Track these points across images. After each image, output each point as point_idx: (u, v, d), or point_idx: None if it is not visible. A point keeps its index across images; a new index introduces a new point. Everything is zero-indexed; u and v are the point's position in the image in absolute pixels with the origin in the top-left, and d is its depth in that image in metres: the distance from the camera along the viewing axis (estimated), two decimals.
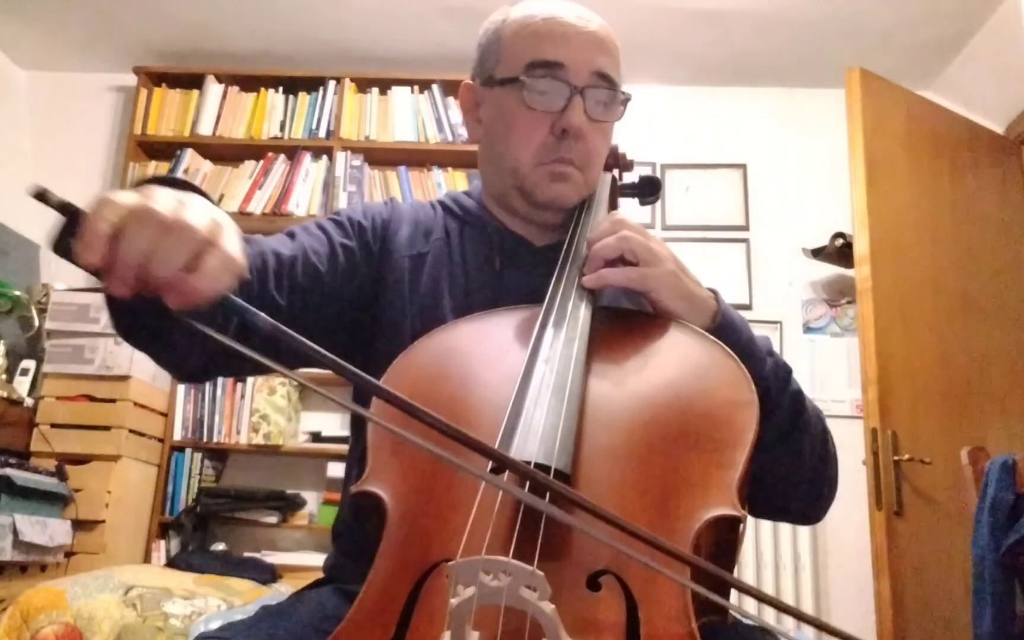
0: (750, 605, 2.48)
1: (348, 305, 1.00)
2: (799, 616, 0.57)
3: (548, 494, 0.62)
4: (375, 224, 1.04)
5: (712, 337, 0.83)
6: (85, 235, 0.58)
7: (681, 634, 0.59)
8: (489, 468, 0.68)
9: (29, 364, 3.01)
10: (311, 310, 0.95)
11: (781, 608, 0.58)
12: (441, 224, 1.07)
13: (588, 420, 0.75)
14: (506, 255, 1.03)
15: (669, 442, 0.73)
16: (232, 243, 0.63)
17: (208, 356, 0.87)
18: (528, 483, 0.65)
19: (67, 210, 0.60)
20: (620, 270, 0.88)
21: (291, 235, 0.99)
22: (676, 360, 0.82)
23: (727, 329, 0.88)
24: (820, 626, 0.58)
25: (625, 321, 0.91)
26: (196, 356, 0.86)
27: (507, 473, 0.68)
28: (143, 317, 0.74)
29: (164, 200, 0.60)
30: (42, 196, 0.59)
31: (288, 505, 3.01)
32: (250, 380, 3.07)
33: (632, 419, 0.76)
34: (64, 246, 0.59)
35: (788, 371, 0.91)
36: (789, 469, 0.91)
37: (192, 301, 0.61)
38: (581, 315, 0.85)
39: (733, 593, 0.72)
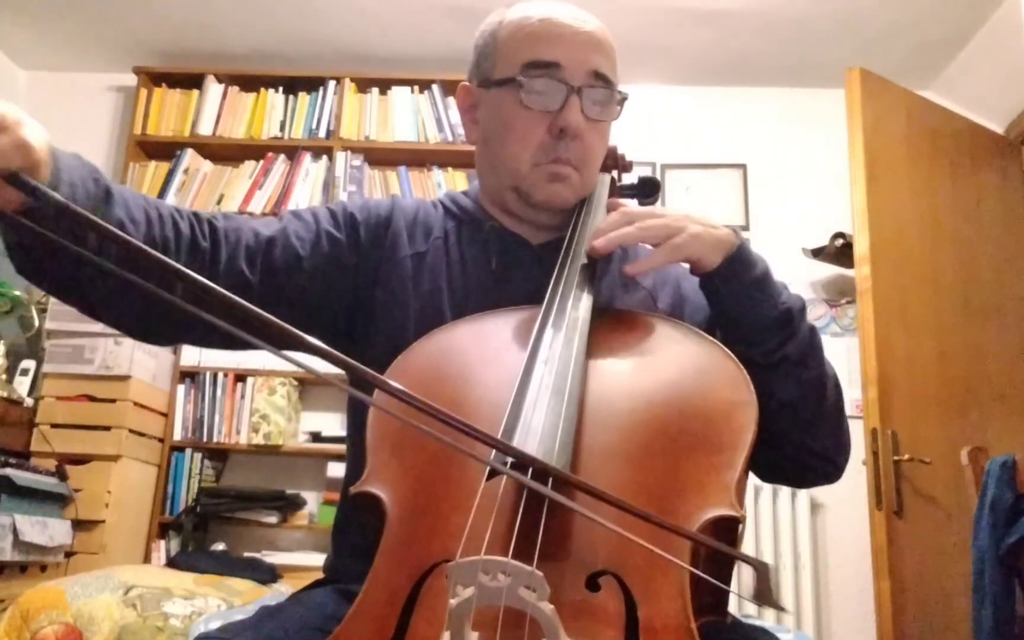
0: (749, 606, 2.48)
1: (337, 297, 1.00)
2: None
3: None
4: (371, 220, 1.04)
5: (712, 338, 0.84)
6: None
7: (680, 633, 0.59)
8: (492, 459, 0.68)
9: (29, 364, 3.01)
10: (288, 292, 0.95)
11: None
12: (441, 223, 1.07)
13: (587, 421, 0.75)
14: (503, 256, 1.03)
15: (668, 442, 0.73)
16: (32, 133, 0.67)
17: (142, 306, 0.87)
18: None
19: None
20: (655, 252, 0.89)
21: (280, 218, 1.00)
22: (675, 360, 0.83)
23: (748, 259, 0.91)
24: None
25: (624, 321, 0.91)
26: (126, 305, 0.86)
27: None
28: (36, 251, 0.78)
29: None
30: None
31: (288, 505, 3.01)
32: (250, 380, 3.07)
33: (631, 419, 0.76)
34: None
35: (804, 304, 0.95)
36: (814, 398, 0.92)
37: None
38: (580, 315, 0.85)
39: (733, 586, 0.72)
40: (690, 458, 0.71)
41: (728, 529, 0.68)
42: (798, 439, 0.93)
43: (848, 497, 2.91)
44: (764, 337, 0.89)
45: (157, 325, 0.92)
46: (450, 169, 3.36)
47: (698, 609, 0.61)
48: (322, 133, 3.38)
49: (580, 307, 0.86)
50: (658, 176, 3.39)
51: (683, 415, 0.76)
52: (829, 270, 3.27)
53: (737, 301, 0.91)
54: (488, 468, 0.68)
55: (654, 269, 0.92)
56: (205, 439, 3.06)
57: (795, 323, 0.91)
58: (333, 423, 3.17)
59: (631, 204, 1.19)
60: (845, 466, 0.99)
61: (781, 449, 0.92)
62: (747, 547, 2.99)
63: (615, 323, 0.90)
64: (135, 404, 2.85)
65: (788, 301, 0.92)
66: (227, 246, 0.92)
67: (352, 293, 1.01)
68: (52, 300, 2.96)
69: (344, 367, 0.58)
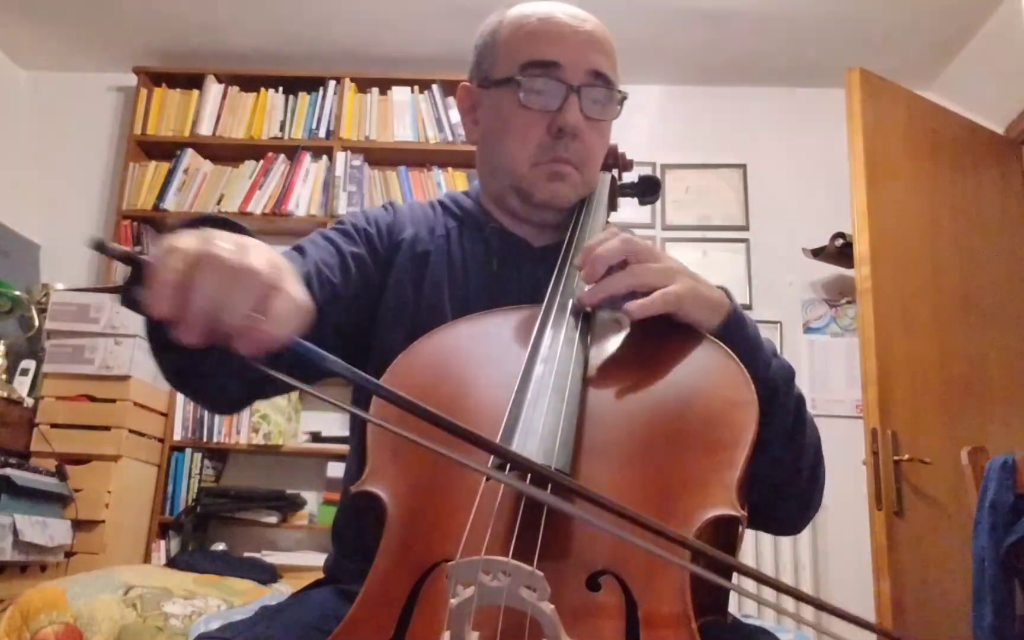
0: (749, 606, 2.48)
1: (364, 311, 1.00)
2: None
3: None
4: (380, 229, 1.04)
5: (712, 338, 0.83)
6: (154, 286, 0.57)
7: (681, 634, 0.59)
8: (491, 464, 0.68)
9: (29, 364, 3.01)
10: (329, 322, 0.93)
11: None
12: (441, 224, 1.07)
13: (587, 420, 0.75)
14: (503, 256, 1.03)
15: (668, 442, 0.73)
16: (296, 285, 0.63)
17: (247, 386, 0.87)
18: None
19: (131, 260, 0.58)
20: (653, 297, 0.82)
21: (300, 250, 0.97)
22: (675, 359, 0.82)
23: (737, 324, 0.86)
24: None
25: (624, 321, 0.91)
26: (235, 389, 0.86)
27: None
28: (194, 361, 0.73)
29: (225, 244, 0.60)
30: (100, 247, 0.59)
31: (288, 505, 3.01)
32: None
33: (631, 419, 0.76)
34: (130, 297, 0.58)
35: (792, 373, 0.90)
36: (786, 475, 0.89)
37: (263, 347, 0.60)
38: (580, 315, 0.85)
39: (733, 594, 0.72)
40: (690, 457, 0.71)
41: (729, 529, 0.68)
42: (762, 506, 0.88)
43: (848, 497, 2.91)
44: None
45: (251, 398, 0.94)
46: (450, 169, 3.36)
47: (698, 609, 0.61)
48: (322, 133, 3.38)
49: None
50: (658, 176, 3.39)
51: (683, 414, 0.76)
52: (829, 270, 3.27)
53: None
54: (490, 465, 0.68)
55: (650, 315, 0.82)
56: (205, 439, 3.06)
57: (779, 398, 0.86)
58: (333, 423, 3.17)
59: (631, 204, 1.20)
60: (806, 525, 0.96)
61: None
62: (746, 547, 2.99)
63: (615, 322, 0.90)
64: (135, 404, 2.85)
65: (775, 373, 0.87)
66: None
67: (375, 303, 1.00)
68: (52, 299, 2.96)
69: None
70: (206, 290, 0.57)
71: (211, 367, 0.77)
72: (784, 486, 0.90)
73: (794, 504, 0.93)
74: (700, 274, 0.89)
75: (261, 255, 0.61)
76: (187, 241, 0.60)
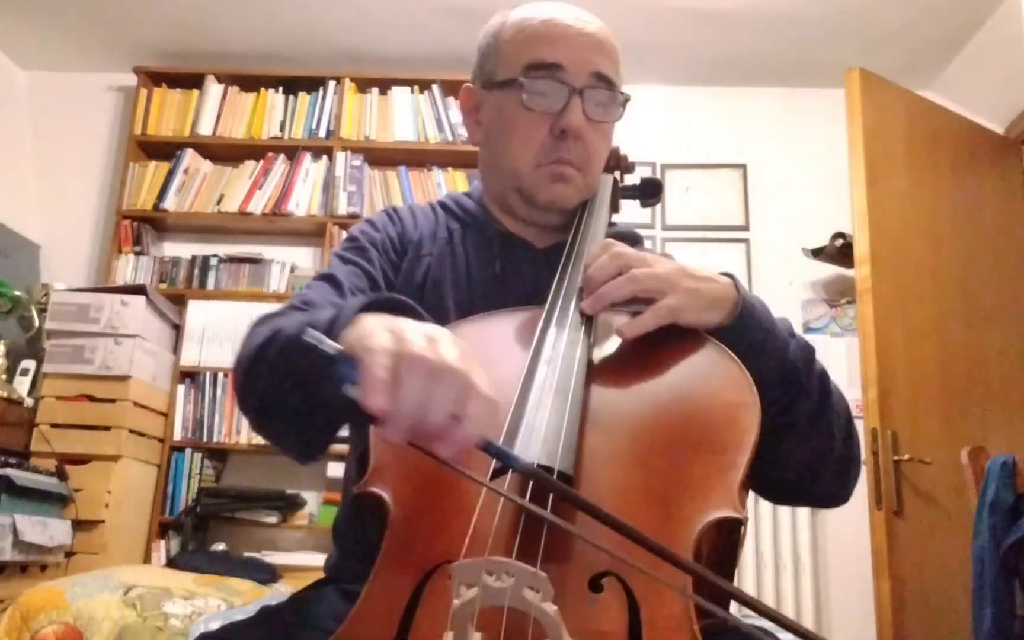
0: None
1: None
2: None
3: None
4: (392, 238, 1.04)
5: (714, 339, 0.83)
6: (369, 382, 0.58)
7: (683, 635, 0.59)
8: (492, 468, 0.68)
9: (29, 364, 3.01)
10: None
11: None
12: (444, 225, 1.08)
13: (590, 422, 0.75)
14: (506, 258, 1.03)
15: (671, 444, 0.73)
16: (483, 376, 0.62)
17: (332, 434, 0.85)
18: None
19: (342, 358, 0.61)
20: (645, 315, 0.83)
21: (331, 280, 0.96)
22: (678, 362, 0.82)
23: (747, 317, 0.86)
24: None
25: (627, 323, 0.91)
26: (327, 439, 0.84)
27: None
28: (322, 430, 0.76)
29: (420, 340, 0.60)
30: (317, 342, 0.61)
31: (288, 505, 3.00)
32: None
33: (634, 421, 0.76)
34: (336, 392, 0.60)
35: (812, 351, 0.90)
36: (819, 450, 0.89)
37: (461, 449, 0.60)
38: (583, 317, 0.85)
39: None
40: (693, 459, 0.71)
41: (731, 531, 0.68)
42: (803, 483, 0.91)
43: None
44: (768, 395, 0.79)
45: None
46: (450, 169, 3.36)
47: (700, 611, 0.61)
48: (322, 133, 3.38)
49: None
50: (658, 176, 3.40)
51: (686, 416, 0.76)
52: (829, 270, 3.27)
53: (740, 357, 0.82)
54: (492, 468, 0.68)
55: (646, 332, 0.83)
56: (205, 439, 3.06)
57: (801, 380, 0.86)
58: None
59: (633, 205, 1.20)
60: (849, 495, 0.95)
61: (784, 484, 0.90)
62: (747, 548, 2.99)
63: (617, 324, 0.90)
64: (135, 404, 2.85)
65: (794, 355, 0.86)
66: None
67: None
68: (52, 299, 2.96)
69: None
70: (413, 390, 0.58)
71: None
72: (818, 463, 0.90)
73: (831, 477, 0.92)
74: (702, 266, 0.89)
75: (452, 347, 0.61)
76: (378, 333, 0.61)
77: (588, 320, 0.85)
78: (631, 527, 0.58)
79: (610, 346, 0.85)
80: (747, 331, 0.85)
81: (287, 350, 0.75)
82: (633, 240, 1.06)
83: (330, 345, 0.61)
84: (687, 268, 0.87)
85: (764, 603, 0.57)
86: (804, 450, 0.87)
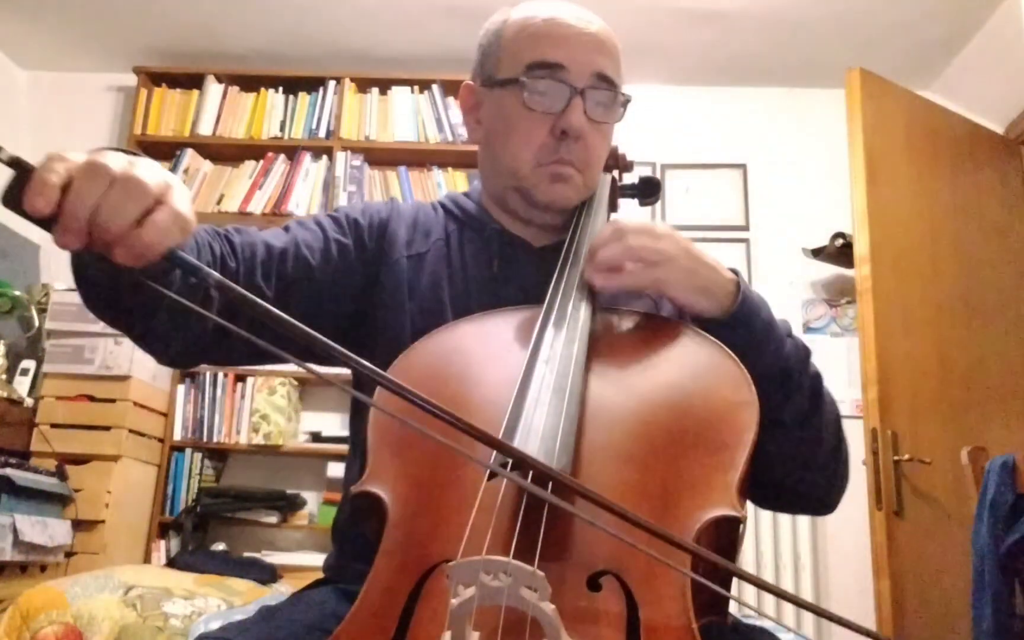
0: (750, 596, 2.48)
1: (345, 302, 1.00)
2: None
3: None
4: (372, 223, 1.05)
5: (712, 338, 0.83)
6: (35, 184, 0.59)
7: (681, 634, 0.59)
8: (490, 468, 0.68)
9: (29, 364, 3.01)
10: (302, 303, 0.95)
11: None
12: (442, 225, 1.07)
13: (588, 421, 0.75)
14: (505, 257, 1.03)
15: (669, 443, 0.73)
16: (182, 201, 0.64)
17: (193, 337, 0.86)
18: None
19: (19, 165, 0.60)
20: (628, 273, 0.86)
21: (286, 229, 1.00)
22: (676, 360, 0.82)
23: (747, 313, 0.87)
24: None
25: (625, 321, 0.91)
26: (179, 337, 0.85)
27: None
28: (111, 288, 0.76)
29: (114, 158, 0.62)
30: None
31: (288, 505, 3.00)
32: (250, 380, 3.07)
33: (632, 419, 0.76)
34: (14, 200, 0.60)
35: (807, 352, 0.91)
36: (808, 452, 0.90)
37: (141, 256, 0.61)
38: (581, 315, 0.85)
39: (734, 590, 0.72)
40: (691, 458, 0.71)
41: (729, 530, 0.68)
42: (788, 483, 0.92)
43: (848, 497, 2.89)
44: (762, 392, 0.79)
45: (202, 353, 0.92)
46: (450, 169, 3.36)
47: (699, 609, 0.61)
48: (322, 133, 3.38)
49: (581, 307, 0.86)
50: (658, 176, 3.39)
51: (684, 415, 0.76)
52: (829, 270, 3.27)
53: (737, 354, 0.83)
54: (490, 468, 0.68)
55: (624, 288, 0.86)
56: (205, 439, 3.06)
57: (794, 380, 0.87)
58: (333, 423, 3.17)
59: (631, 204, 1.20)
60: (838, 501, 0.96)
61: (769, 486, 0.90)
62: (747, 548, 2.99)
63: (616, 323, 0.90)
64: (135, 404, 2.85)
65: (790, 354, 0.88)
66: (244, 262, 0.92)
67: (358, 297, 1.01)
68: (52, 299, 2.96)
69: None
70: (85, 194, 0.59)
71: (134, 303, 0.78)
72: (807, 464, 0.91)
73: (820, 480, 0.93)
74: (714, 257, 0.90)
75: (149, 170, 0.63)
76: (75, 154, 0.62)
77: (587, 318, 0.85)
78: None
79: (609, 345, 0.85)
80: (746, 328, 0.86)
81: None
82: None
83: (5, 154, 0.59)
84: (692, 249, 0.88)
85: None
86: (791, 450, 0.88)
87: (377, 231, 1.04)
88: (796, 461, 0.90)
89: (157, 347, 0.87)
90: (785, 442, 0.87)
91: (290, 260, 0.96)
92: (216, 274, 0.62)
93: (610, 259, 0.86)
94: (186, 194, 0.66)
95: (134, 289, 0.67)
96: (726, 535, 0.68)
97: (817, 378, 0.91)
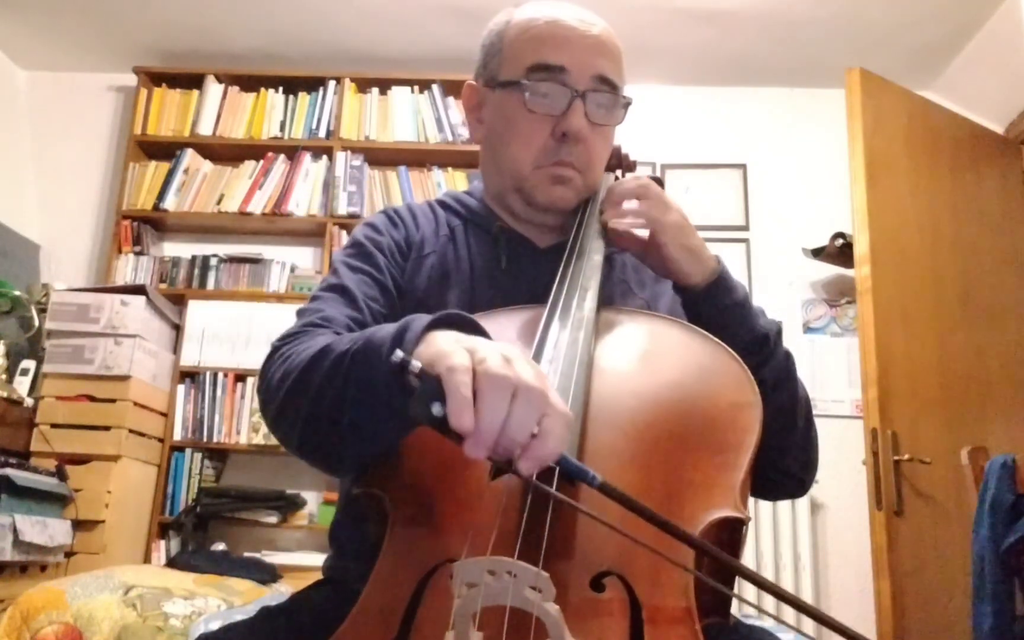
0: (750, 596, 2.48)
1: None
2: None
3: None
4: (398, 242, 1.04)
5: (716, 339, 0.84)
6: (456, 401, 0.59)
7: (685, 634, 0.59)
8: (492, 470, 0.68)
9: (29, 364, 3.01)
10: None
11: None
12: (444, 223, 1.07)
13: (592, 420, 0.75)
14: (511, 255, 1.03)
15: (672, 443, 0.73)
16: (556, 394, 0.63)
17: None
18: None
19: (425, 377, 0.61)
20: (634, 211, 0.94)
21: (343, 291, 0.95)
22: (680, 361, 0.82)
23: (725, 287, 0.93)
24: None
25: (628, 321, 0.91)
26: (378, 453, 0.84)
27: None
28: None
29: (497, 359, 0.61)
30: (404, 366, 0.62)
31: (288, 505, 3.00)
32: (250, 380, 3.07)
33: (636, 420, 0.76)
34: (425, 411, 0.60)
35: (780, 329, 0.96)
36: (785, 422, 0.91)
37: (541, 466, 0.61)
38: (585, 314, 0.85)
39: (736, 590, 0.72)
40: (694, 459, 0.71)
41: (732, 531, 0.68)
42: (764, 458, 0.92)
43: (848, 497, 2.91)
44: (742, 356, 0.85)
45: None
46: (450, 169, 3.36)
47: (702, 609, 0.61)
48: (322, 133, 3.38)
49: (585, 306, 0.86)
50: (659, 176, 3.39)
51: (687, 416, 0.76)
52: (829, 270, 3.27)
53: (715, 322, 0.90)
54: (493, 467, 0.68)
55: (627, 225, 0.97)
56: (205, 439, 3.06)
57: (771, 346, 0.92)
58: None
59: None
60: (811, 483, 0.99)
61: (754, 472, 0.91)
62: (747, 548, 2.99)
63: (620, 322, 0.90)
64: (135, 404, 2.85)
65: (765, 326, 0.93)
66: None
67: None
68: (52, 299, 2.96)
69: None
70: (496, 407, 0.59)
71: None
72: (784, 436, 0.91)
73: (795, 457, 0.95)
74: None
75: (527, 367, 0.62)
76: (453, 351, 0.62)
77: (591, 317, 0.85)
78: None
79: (612, 345, 0.85)
80: (726, 297, 0.92)
81: (347, 367, 0.73)
82: None
83: (416, 365, 0.62)
84: (688, 221, 0.97)
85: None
86: (774, 417, 0.87)
87: (405, 245, 1.04)
88: (775, 428, 0.88)
89: (360, 469, 0.84)
90: (766, 410, 0.87)
91: (370, 323, 0.92)
92: (600, 477, 0.61)
93: (627, 191, 0.96)
94: (552, 381, 0.66)
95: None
96: (729, 536, 0.68)
97: (789, 356, 0.95)
